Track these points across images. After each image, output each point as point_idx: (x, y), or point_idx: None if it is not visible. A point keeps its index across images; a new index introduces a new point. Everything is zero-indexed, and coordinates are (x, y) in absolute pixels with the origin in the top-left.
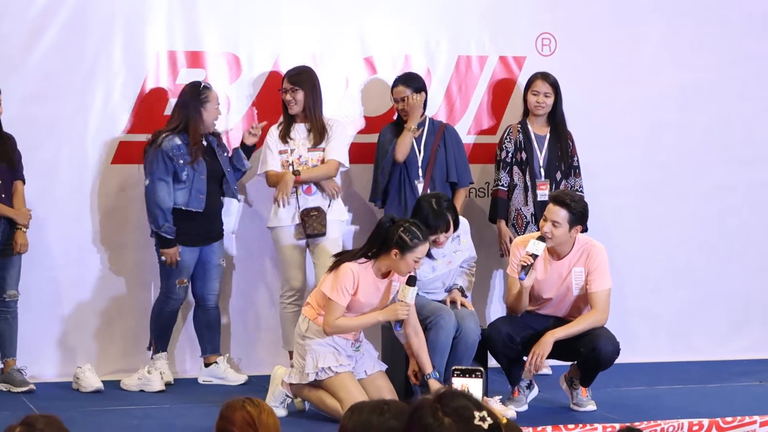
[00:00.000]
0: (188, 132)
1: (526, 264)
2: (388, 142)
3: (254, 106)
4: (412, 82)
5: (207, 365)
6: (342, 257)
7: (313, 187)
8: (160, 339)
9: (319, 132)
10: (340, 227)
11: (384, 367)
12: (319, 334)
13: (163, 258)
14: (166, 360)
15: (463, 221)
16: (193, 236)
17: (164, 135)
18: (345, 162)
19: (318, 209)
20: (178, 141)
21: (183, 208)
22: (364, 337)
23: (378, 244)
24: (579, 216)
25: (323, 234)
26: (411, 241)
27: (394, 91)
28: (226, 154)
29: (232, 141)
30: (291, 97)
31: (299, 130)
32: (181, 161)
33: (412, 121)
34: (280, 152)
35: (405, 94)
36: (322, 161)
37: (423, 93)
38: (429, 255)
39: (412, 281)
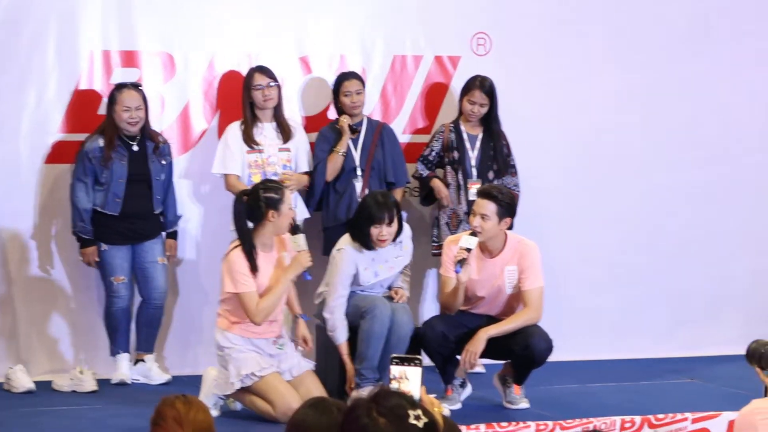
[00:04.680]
0: (105, 134)
1: (460, 258)
2: (322, 151)
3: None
4: (359, 77)
5: (136, 362)
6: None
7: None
8: (116, 340)
9: (285, 131)
10: None
11: (311, 365)
12: (238, 342)
13: (80, 258)
14: (128, 360)
15: (406, 227)
16: (117, 235)
17: (91, 136)
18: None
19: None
20: (100, 143)
21: (99, 209)
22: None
23: (253, 219)
24: (507, 208)
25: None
26: (276, 193)
27: (345, 85)
28: (164, 162)
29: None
30: (269, 92)
31: (266, 129)
32: (101, 163)
33: (342, 144)
34: (248, 152)
35: (360, 87)
36: (289, 161)
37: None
38: (369, 247)
39: (295, 230)
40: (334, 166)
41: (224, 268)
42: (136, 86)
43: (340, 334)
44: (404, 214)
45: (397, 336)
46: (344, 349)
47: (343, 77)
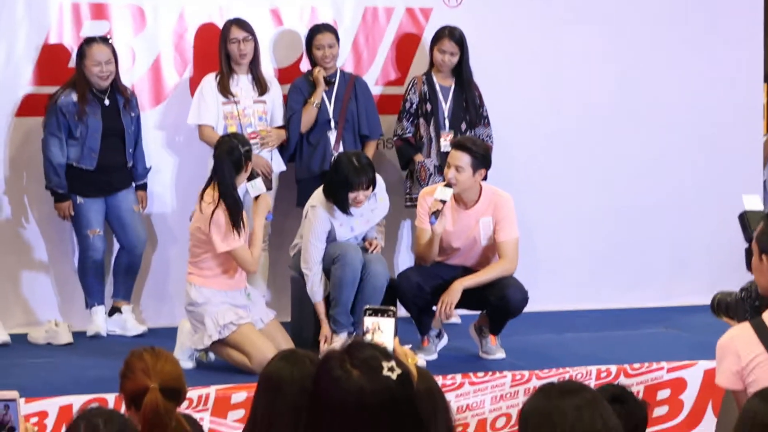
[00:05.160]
0: (77, 88)
1: (435, 210)
2: (296, 102)
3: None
4: (333, 29)
5: (113, 310)
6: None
7: (258, 136)
8: (92, 293)
9: (262, 84)
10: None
11: (274, 313)
12: (212, 296)
13: (55, 212)
14: (104, 314)
15: (379, 179)
16: (91, 188)
17: (62, 90)
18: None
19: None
20: (73, 97)
21: (74, 164)
22: (264, 286)
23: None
24: (481, 159)
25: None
26: (248, 144)
27: (319, 37)
28: (133, 114)
29: (138, 92)
30: (245, 46)
31: (242, 81)
32: (75, 117)
33: (317, 95)
34: (224, 104)
35: (332, 40)
36: (265, 113)
37: (338, 44)
38: (347, 213)
39: (251, 175)
40: (308, 117)
41: (211, 230)
42: (105, 40)
43: (317, 292)
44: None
45: (372, 286)
46: (321, 308)
47: (316, 30)
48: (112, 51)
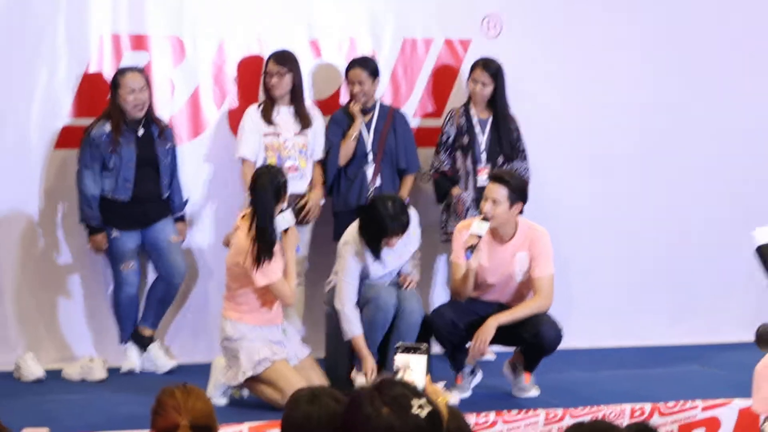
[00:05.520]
0: (111, 119)
1: (471, 245)
2: (335, 135)
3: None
4: (368, 64)
5: (137, 336)
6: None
7: (299, 168)
8: (126, 327)
9: (303, 117)
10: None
11: (309, 350)
12: (247, 332)
13: (88, 245)
14: (136, 349)
15: (413, 213)
16: (127, 220)
17: (96, 121)
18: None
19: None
20: (107, 128)
21: (109, 196)
22: (299, 322)
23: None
24: (518, 193)
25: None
26: (285, 175)
27: (351, 73)
28: (169, 146)
29: (176, 124)
30: (278, 80)
31: (284, 113)
32: (109, 149)
33: (355, 129)
34: (266, 135)
35: (362, 77)
36: (305, 146)
37: (377, 78)
38: (378, 258)
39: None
40: (346, 151)
41: (249, 263)
42: (138, 69)
43: (355, 327)
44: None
45: (407, 324)
46: (360, 342)
47: (350, 64)
48: (145, 80)
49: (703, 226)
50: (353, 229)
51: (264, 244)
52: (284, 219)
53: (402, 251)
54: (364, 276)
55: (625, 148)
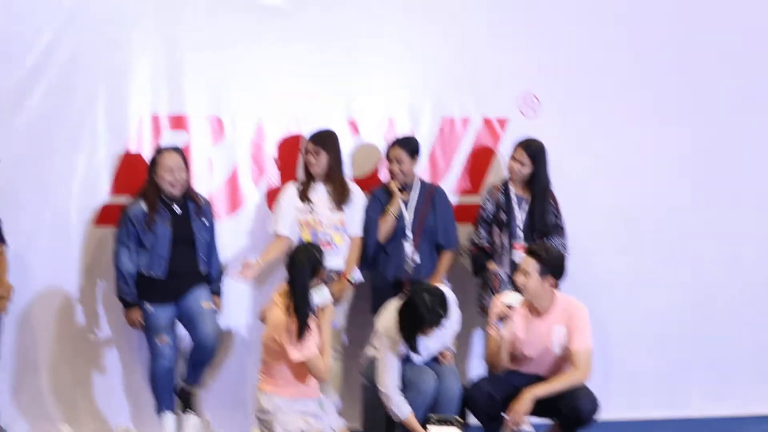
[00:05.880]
0: (147, 197)
1: (502, 315)
2: (374, 211)
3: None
4: (409, 144)
5: (183, 392)
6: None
7: (333, 245)
8: (161, 399)
9: (341, 194)
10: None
11: (345, 423)
12: (283, 405)
13: (126, 320)
14: (173, 420)
15: (449, 294)
16: (162, 295)
17: (133, 199)
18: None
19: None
20: (143, 206)
21: (145, 273)
22: (336, 395)
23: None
24: (549, 266)
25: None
26: (318, 255)
27: (391, 152)
28: (207, 222)
29: (214, 202)
30: (314, 159)
31: (320, 191)
32: (145, 226)
33: (394, 204)
34: (301, 211)
35: (401, 156)
36: (342, 223)
37: (417, 156)
38: (416, 351)
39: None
40: (386, 227)
41: (283, 339)
42: (176, 149)
43: (404, 408)
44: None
45: (447, 399)
46: (413, 421)
47: (391, 144)
48: (183, 160)
49: (745, 296)
50: (392, 312)
51: (300, 320)
52: (321, 295)
53: (443, 334)
54: (404, 359)
55: (664, 223)
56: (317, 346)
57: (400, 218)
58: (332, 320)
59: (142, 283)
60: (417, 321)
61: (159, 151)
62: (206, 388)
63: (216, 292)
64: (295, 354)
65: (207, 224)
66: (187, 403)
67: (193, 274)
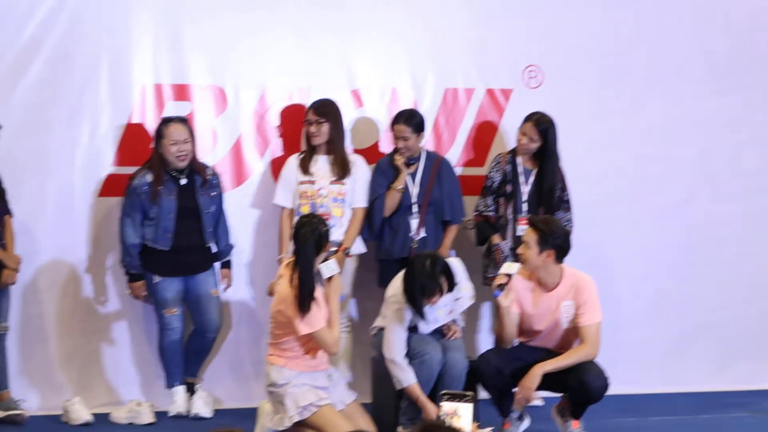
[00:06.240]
0: (153, 169)
1: (501, 283)
2: (380, 186)
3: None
4: (413, 120)
5: (189, 385)
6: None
7: (331, 217)
8: (171, 372)
9: (341, 166)
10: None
11: (355, 395)
12: (293, 377)
13: (127, 291)
14: (184, 392)
15: (458, 265)
16: (169, 267)
17: (139, 171)
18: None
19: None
20: (148, 178)
21: (149, 245)
22: (346, 368)
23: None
24: (549, 241)
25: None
26: (327, 225)
27: (395, 128)
28: (214, 194)
29: (219, 173)
30: (316, 129)
31: (321, 162)
32: (150, 198)
33: (400, 181)
34: (301, 183)
35: (406, 133)
36: (342, 194)
37: (422, 132)
38: (421, 316)
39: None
40: (391, 202)
41: (291, 312)
42: (182, 120)
43: (409, 376)
44: (452, 253)
45: (450, 375)
46: (416, 390)
47: (394, 120)
48: (189, 131)
49: (752, 274)
50: (399, 281)
51: (305, 293)
52: (328, 267)
53: (453, 305)
54: (412, 327)
55: (669, 196)
56: (325, 318)
57: (405, 194)
58: (340, 293)
59: (148, 256)
60: (418, 287)
61: (165, 122)
62: (217, 363)
63: (226, 266)
64: (302, 327)
65: (214, 195)
66: (191, 389)
67: (200, 249)
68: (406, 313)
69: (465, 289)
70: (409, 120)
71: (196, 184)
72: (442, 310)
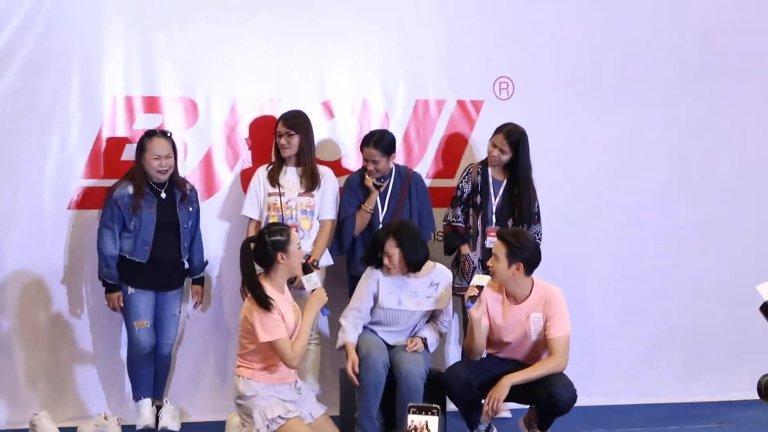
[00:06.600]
0: (134, 181)
1: (471, 294)
2: (351, 205)
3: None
4: (382, 144)
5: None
6: (256, 291)
7: (300, 229)
8: (138, 385)
9: (310, 178)
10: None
11: (324, 408)
12: (260, 390)
13: (105, 303)
14: (150, 406)
15: (446, 273)
16: (145, 280)
17: (119, 182)
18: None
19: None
20: (129, 190)
21: (127, 257)
22: (315, 381)
23: (264, 264)
24: (518, 254)
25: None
26: (282, 234)
27: (365, 151)
28: (191, 209)
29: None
30: (286, 141)
31: (290, 174)
32: (130, 210)
33: (370, 202)
34: (269, 194)
35: (376, 157)
36: (310, 207)
37: (392, 154)
38: (381, 266)
39: (307, 269)
40: (361, 222)
41: (254, 319)
42: (165, 134)
43: (349, 335)
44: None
45: (407, 386)
46: (349, 347)
47: (363, 143)
48: (172, 145)
49: (723, 281)
50: None
51: (256, 295)
52: (309, 280)
53: (422, 300)
54: (378, 307)
55: (639, 205)
56: (287, 330)
57: (375, 213)
58: (320, 306)
59: (124, 267)
60: (375, 239)
61: (148, 136)
62: (184, 375)
63: (197, 282)
64: (263, 334)
65: (191, 210)
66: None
67: (175, 264)
68: (371, 282)
69: (443, 294)
70: (379, 143)
71: (176, 198)
72: (409, 297)
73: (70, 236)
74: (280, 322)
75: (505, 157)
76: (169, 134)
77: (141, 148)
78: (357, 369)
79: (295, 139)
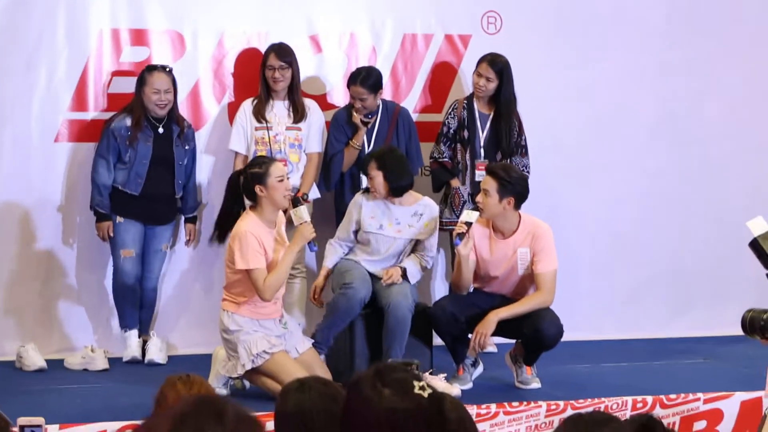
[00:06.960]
0: (132, 113)
1: (460, 231)
2: (339, 141)
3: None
4: (369, 81)
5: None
6: (222, 226)
7: (288, 163)
8: (124, 316)
9: (299, 111)
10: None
11: (311, 342)
12: (245, 324)
13: (96, 232)
14: (137, 337)
15: (432, 206)
16: (133, 211)
17: (118, 113)
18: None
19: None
20: (127, 122)
21: (120, 188)
22: (301, 315)
23: (249, 197)
24: (509, 187)
25: None
26: (260, 167)
27: (352, 89)
28: (187, 147)
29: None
30: (280, 75)
31: (278, 108)
32: (126, 142)
33: (358, 138)
34: (257, 129)
35: (363, 95)
36: (298, 140)
37: (380, 90)
38: (365, 191)
39: (296, 202)
40: (349, 159)
41: (234, 245)
42: (165, 69)
43: (326, 260)
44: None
45: (394, 318)
46: (321, 272)
47: (350, 81)
48: (172, 81)
49: (708, 219)
50: None
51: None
52: (296, 214)
53: (404, 228)
54: (361, 231)
55: (627, 145)
56: (265, 261)
57: (363, 150)
58: (307, 240)
59: (116, 198)
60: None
61: (149, 70)
62: (171, 309)
63: (191, 221)
64: (240, 261)
65: (188, 149)
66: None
67: (168, 199)
68: (356, 205)
69: (426, 225)
70: (366, 81)
71: (173, 134)
72: (391, 223)
73: (56, 169)
74: (260, 253)
75: (492, 86)
76: (169, 69)
77: (141, 81)
78: (318, 294)
79: (289, 73)
